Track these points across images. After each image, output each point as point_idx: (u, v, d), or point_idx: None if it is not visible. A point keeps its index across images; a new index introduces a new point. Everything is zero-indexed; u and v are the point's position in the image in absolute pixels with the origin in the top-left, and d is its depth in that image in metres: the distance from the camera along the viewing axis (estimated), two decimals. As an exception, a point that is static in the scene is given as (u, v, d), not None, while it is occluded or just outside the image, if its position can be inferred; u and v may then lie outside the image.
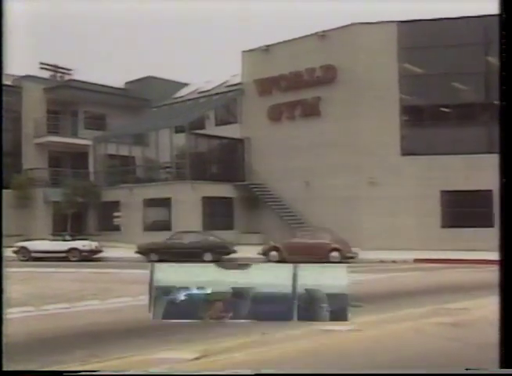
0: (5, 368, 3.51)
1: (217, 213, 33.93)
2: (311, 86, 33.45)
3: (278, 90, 34.99)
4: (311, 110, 33.52)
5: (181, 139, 34.34)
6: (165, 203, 33.02)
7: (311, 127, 33.28)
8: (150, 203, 34.13)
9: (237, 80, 38.32)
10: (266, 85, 35.47)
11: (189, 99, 41.48)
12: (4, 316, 3.38)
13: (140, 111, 42.85)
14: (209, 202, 33.38)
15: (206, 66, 65.22)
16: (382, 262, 24.29)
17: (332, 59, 32.63)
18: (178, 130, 34.69)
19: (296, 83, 34.14)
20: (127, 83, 45.60)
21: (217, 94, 39.85)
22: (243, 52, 36.71)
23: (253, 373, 4.51)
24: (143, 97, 43.10)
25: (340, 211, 31.26)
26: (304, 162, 33.06)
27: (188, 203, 32.46)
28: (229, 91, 38.84)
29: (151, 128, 37.17)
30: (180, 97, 43.28)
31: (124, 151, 36.98)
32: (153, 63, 66.04)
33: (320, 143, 32.63)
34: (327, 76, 32.89)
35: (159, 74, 44.32)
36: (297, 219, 32.75)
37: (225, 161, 36.99)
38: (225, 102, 39.07)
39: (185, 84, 45.41)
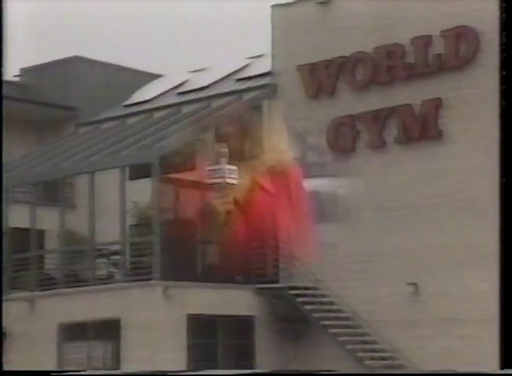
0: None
1: (219, 351, 34.15)
2: (421, 76, 33.61)
3: (348, 86, 34.88)
4: (419, 128, 33.61)
5: (143, 192, 34.98)
6: (108, 331, 33.53)
7: (421, 162, 33.60)
8: (74, 332, 34.30)
9: (263, 67, 39.07)
10: (323, 76, 35.72)
11: (161, 107, 41.78)
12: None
13: (56, 131, 43.28)
14: (202, 327, 33.66)
15: (199, 40, 64.37)
16: None
17: (468, 17, 32.58)
18: (139, 174, 35.31)
19: (389, 70, 34.06)
20: (27, 70, 46.30)
21: (219, 95, 39.90)
22: (274, 7, 37.07)
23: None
24: (63, 103, 43.64)
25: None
26: (405, 240, 33.13)
27: (157, 330, 32.63)
28: (246, 89, 39.42)
29: (79, 170, 37.31)
30: (141, 103, 43.39)
31: (21, 219, 36.29)
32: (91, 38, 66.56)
33: (440, 198, 32.84)
34: (458, 53, 32.73)
35: (100, 57, 45.24)
36: (391, 360, 32.94)
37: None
38: (238, 112, 37.73)
39: (155, 76, 46.65)
